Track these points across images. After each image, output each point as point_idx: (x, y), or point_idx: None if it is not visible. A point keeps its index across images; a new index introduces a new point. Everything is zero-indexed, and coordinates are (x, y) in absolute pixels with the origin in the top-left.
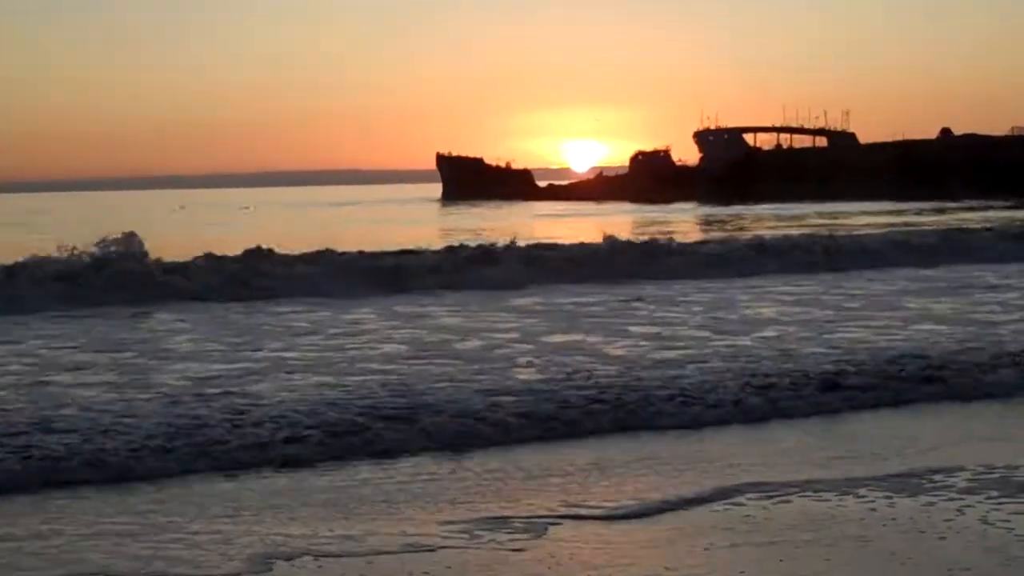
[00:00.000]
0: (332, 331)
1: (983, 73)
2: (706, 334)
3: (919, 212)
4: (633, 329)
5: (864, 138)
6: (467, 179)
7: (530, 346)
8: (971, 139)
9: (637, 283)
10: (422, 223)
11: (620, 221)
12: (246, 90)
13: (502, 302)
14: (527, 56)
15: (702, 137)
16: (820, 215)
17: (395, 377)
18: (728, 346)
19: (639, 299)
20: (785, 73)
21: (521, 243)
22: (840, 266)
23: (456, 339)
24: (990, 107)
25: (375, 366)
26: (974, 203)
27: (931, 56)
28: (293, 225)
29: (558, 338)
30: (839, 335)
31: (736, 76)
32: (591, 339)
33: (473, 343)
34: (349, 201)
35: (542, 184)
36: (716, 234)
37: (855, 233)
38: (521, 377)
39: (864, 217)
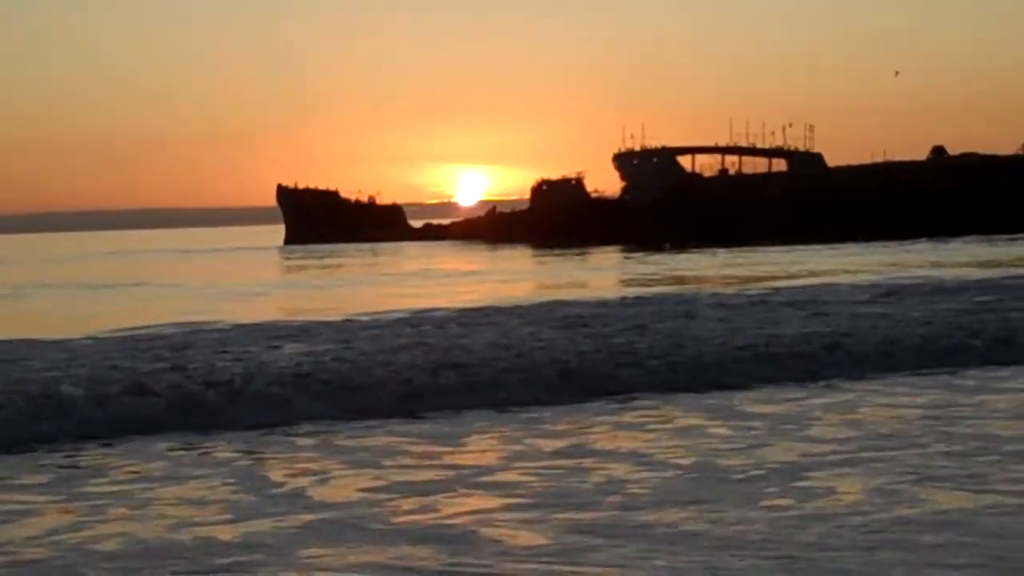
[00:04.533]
0: None
1: (984, 81)
2: None
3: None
4: None
5: (832, 160)
6: (317, 218)
7: None
8: (970, 160)
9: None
10: (237, 288)
11: (492, 288)
12: (17, 111)
13: None
14: (405, 66)
15: (624, 161)
16: (796, 272)
17: None
18: None
19: None
20: (732, 79)
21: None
22: None
23: None
24: (992, 121)
25: None
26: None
27: (918, 57)
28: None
29: None
30: None
31: (667, 84)
32: None
33: None
34: (144, 250)
35: (417, 224)
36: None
37: None
38: None
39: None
